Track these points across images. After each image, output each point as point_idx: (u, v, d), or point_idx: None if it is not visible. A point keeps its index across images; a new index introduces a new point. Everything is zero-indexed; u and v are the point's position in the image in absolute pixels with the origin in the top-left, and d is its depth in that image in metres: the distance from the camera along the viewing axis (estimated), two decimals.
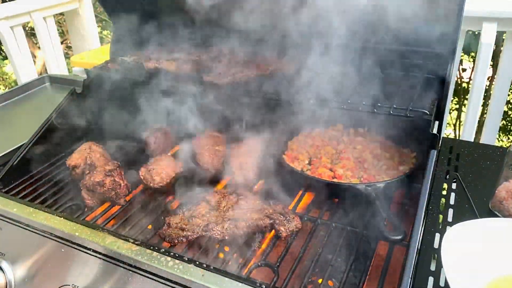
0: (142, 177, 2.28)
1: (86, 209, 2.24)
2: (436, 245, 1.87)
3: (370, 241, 1.90)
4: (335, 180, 2.21)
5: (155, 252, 1.73)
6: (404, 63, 2.38)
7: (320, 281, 1.73)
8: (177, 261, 1.67)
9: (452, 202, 2.15)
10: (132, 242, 1.78)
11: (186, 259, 1.66)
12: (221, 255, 2.01)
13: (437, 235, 1.93)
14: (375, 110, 2.04)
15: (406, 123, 2.34)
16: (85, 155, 2.39)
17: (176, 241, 1.88)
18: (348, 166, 2.32)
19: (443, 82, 2.10)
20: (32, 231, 2.04)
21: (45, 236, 1.99)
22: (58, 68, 5.73)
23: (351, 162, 2.34)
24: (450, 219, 2.03)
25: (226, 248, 2.02)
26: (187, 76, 2.53)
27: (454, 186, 2.29)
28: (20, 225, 2.10)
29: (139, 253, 1.74)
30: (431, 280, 1.71)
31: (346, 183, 2.08)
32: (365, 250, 1.86)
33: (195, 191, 2.33)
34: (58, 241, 1.97)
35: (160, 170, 2.28)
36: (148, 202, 2.29)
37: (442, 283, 1.69)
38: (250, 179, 2.31)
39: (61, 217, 1.99)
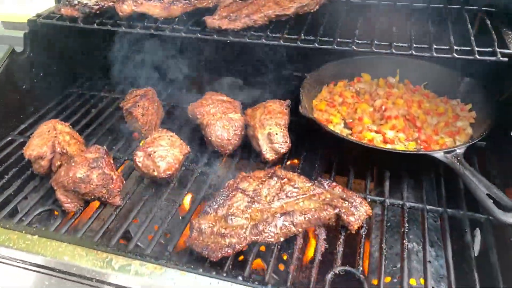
0: (140, 165, 1.66)
1: (65, 216, 1.61)
2: None
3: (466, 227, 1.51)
4: (396, 147, 1.77)
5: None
6: None
7: None
8: None
9: None
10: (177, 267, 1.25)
11: None
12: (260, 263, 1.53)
13: None
14: (434, 53, 1.58)
15: (465, 67, 1.95)
16: (50, 140, 1.70)
17: (220, 255, 1.34)
18: (398, 126, 1.88)
19: None
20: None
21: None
22: None
23: (401, 121, 1.90)
24: None
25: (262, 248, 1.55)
26: (179, 21, 1.87)
27: None
28: None
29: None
30: None
31: (421, 152, 1.65)
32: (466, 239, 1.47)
33: (214, 176, 1.78)
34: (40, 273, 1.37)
35: (164, 153, 1.68)
36: (154, 198, 1.70)
37: None
38: (281, 152, 1.79)
39: (38, 235, 1.38)
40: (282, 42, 1.70)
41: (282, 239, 1.44)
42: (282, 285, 1.31)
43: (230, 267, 1.37)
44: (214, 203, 1.51)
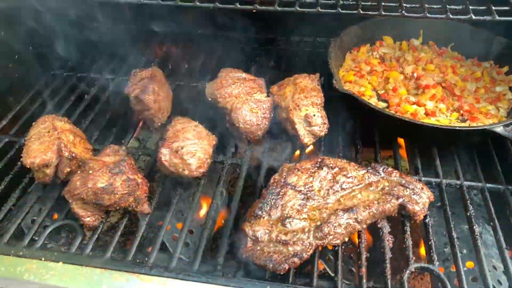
0: (166, 164, 1.43)
1: (87, 232, 1.37)
2: None
3: None
4: (440, 119, 1.63)
5: None
6: None
7: None
8: None
9: None
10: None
11: None
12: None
13: None
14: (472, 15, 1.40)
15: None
16: (53, 143, 1.41)
17: (287, 267, 1.18)
18: (437, 96, 1.73)
19: None
20: None
21: None
22: None
23: (440, 90, 1.75)
24: None
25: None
26: None
27: None
28: None
29: None
30: None
31: (481, 127, 1.51)
32: None
33: (247, 167, 1.57)
34: None
35: (192, 148, 1.45)
36: (183, 199, 1.49)
37: None
38: (321, 135, 1.60)
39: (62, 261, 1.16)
40: (320, 9, 1.47)
41: (346, 239, 1.30)
42: None
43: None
44: (266, 204, 1.32)
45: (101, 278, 1.18)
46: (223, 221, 1.43)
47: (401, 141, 1.77)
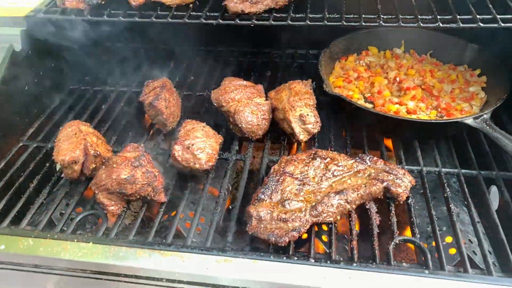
0: (179, 159, 1.63)
1: (109, 220, 1.56)
2: None
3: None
4: (420, 116, 1.84)
5: None
6: None
7: None
8: None
9: None
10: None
11: None
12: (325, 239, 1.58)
13: None
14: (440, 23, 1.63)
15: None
16: (80, 143, 1.62)
17: (287, 239, 1.36)
18: (418, 96, 1.95)
19: None
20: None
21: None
22: None
23: (419, 91, 1.97)
24: None
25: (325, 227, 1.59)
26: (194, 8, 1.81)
27: None
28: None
29: None
30: None
31: (454, 120, 1.72)
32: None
33: (250, 162, 1.77)
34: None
35: (202, 145, 1.65)
36: (195, 191, 1.68)
37: None
38: (314, 132, 1.81)
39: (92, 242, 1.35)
40: (308, 23, 1.69)
41: (339, 218, 1.49)
42: (350, 261, 1.35)
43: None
44: (267, 189, 1.51)
45: (127, 254, 1.37)
46: (230, 207, 1.62)
47: (388, 142, 1.97)
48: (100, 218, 1.57)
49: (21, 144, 1.90)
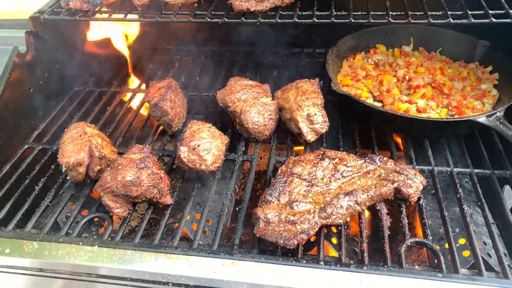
0: (185, 160, 1.60)
1: (112, 222, 1.54)
2: None
3: None
4: (430, 115, 1.80)
5: None
6: None
7: None
8: None
9: None
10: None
11: None
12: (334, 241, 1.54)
13: None
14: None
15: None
16: (85, 145, 1.60)
17: (296, 242, 1.33)
18: (428, 95, 1.90)
19: None
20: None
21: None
22: None
23: (429, 89, 1.93)
24: None
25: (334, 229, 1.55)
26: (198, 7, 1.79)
27: None
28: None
29: None
30: None
31: (466, 118, 1.67)
32: None
33: (257, 163, 1.74)
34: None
35: (208, 146, 1.62)
36: (202, 192, 1.66)
37: None
38: (322, 132, 1.77)
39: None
40: (315, 20, 1.66)
41: (348, 219, 1.45)
42: (361, 264, 1.32)
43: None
44: (275, 191, 1.48)
45: (133, 258, 1.34)
46: (237, 209, 1.59)
47: (397, 142, 1.93)
48: (106, 220, 1.54)
49: (26, 147, 1.89)
